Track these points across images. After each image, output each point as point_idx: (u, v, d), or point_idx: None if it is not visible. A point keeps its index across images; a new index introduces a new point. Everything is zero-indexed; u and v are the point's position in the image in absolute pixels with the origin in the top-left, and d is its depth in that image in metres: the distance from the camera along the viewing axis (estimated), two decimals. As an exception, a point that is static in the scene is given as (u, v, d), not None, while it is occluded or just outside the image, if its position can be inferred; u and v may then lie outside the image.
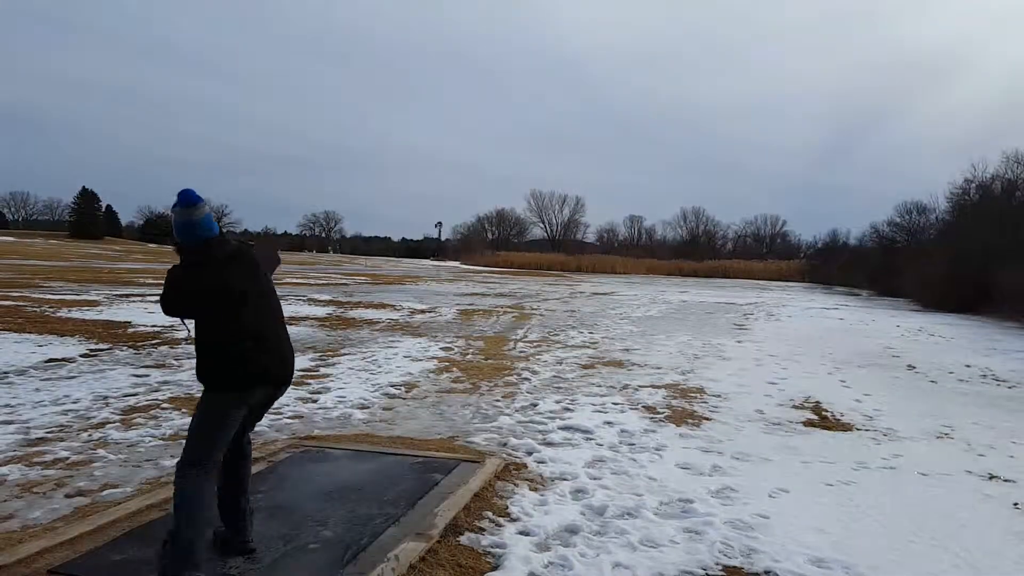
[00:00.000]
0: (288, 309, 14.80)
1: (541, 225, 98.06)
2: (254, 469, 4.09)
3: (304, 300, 17.68)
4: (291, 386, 6.62)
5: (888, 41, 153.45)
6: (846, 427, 6.27)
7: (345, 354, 8.97)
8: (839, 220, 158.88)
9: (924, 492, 4.49)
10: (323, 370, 7.82)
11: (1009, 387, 8.92)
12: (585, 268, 72.14)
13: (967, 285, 24.70)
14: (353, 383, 7.16)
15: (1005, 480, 4.81)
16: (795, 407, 7.06)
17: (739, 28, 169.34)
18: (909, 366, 10.53)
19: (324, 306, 16.27)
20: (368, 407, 6.17)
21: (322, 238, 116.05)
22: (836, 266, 55.45)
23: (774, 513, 3.91)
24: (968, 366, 10.74)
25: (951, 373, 9.95)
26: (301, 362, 8.21)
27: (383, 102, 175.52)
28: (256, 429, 5.15)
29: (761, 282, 60.65)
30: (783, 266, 72.31)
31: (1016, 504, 4.29)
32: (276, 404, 5.80)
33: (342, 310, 15.51)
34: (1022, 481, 4.80)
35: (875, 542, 3.56)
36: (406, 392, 6.88)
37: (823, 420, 6.50)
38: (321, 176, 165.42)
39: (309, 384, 6.99)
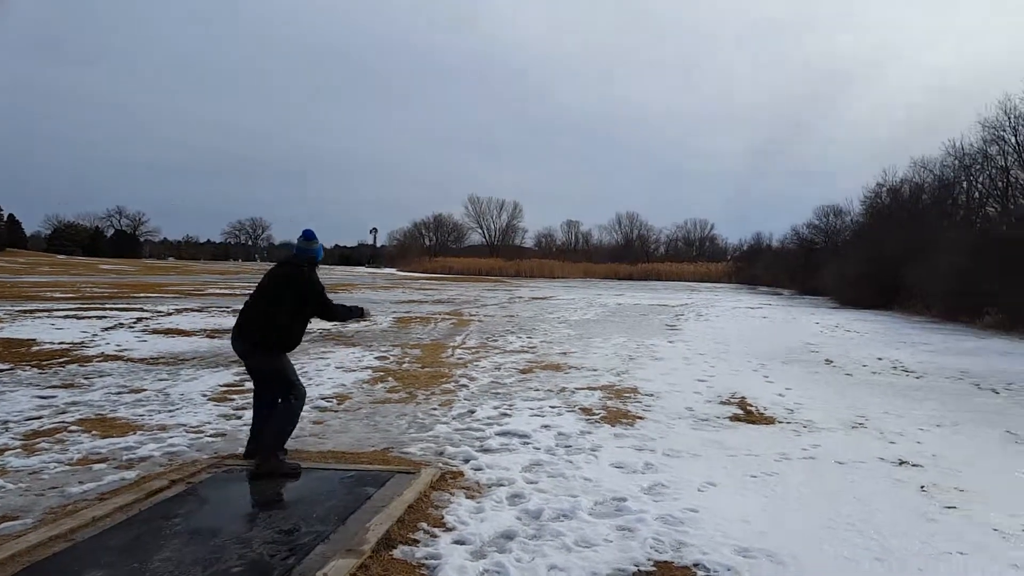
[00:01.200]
0: (210, 321, 14.35)
1: (479, 230, 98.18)
2: (171, 493, 3.98)
3: (228, 311, 17.13)
4: (214, 402, 6.48)
5: (809, 53, 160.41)
6: (769, 420, 6.53)
7: (276, 367, 8.70)
8: (763, 223, 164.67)
9: (841, 479, 4.72)
10: (248, 385, 7.53)
11: (917, 377, 9.46)
12: (524, 273, 72.69)
13: (879, 283, 26.14)
14: (284, 397, 6.98)
15: (913, 465, 5.11)
16: (722, 403, 7.31)
17: (668, 39, 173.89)
18: (827, 360, 11.04)
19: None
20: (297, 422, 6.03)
21: (248, 246, 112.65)
22: (760, 267, 57.57)
23: (703, 507, 4.04)
24: (880, 359, 11.34)
25: (865, 366, 10.48)
26: (224, 377, 7.99)
27: (312, 104, 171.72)
28: (175, 449, 5.02)
29: (691, 283, 62.46)
30: (712, 268, 74.75)
31: (923, 487, 4.57)
32: (196, 422, 5.72)
33: (273, 322, 15.06)
34: (928, 466, 5.10)
35: (796, 530, 3.73)
36: (338, 404, 6.77)
37: (748, 415, 6.75)
38: (247, 182, 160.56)
39: (233, 400, 6.77)
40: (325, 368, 8.77)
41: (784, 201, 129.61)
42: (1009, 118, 21.50)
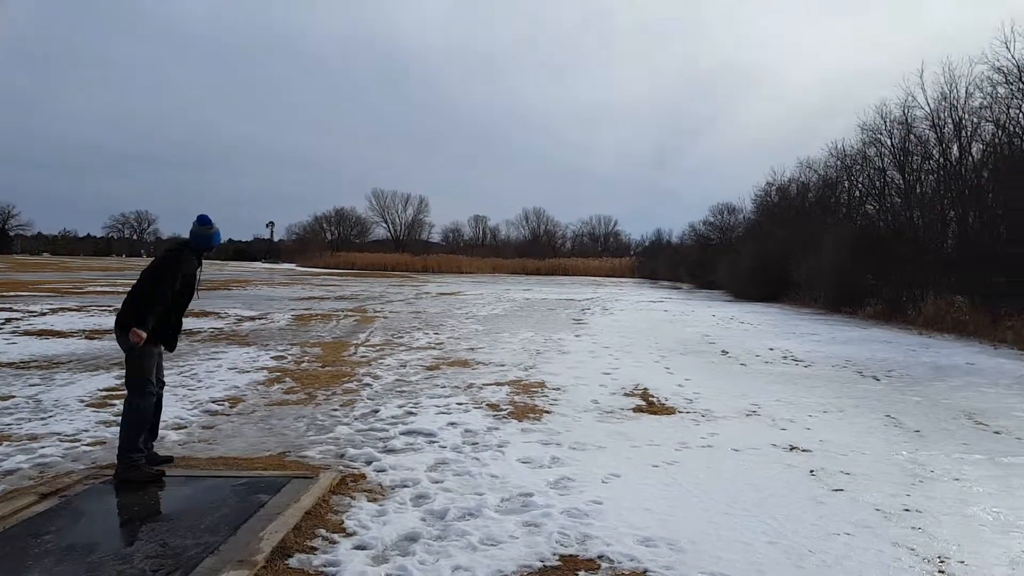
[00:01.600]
0: (89, 321, 13.36)
1: (384, 225, 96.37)
2: (41, 508, 3.63)
3: (110, 310, 15.99)
4: (92, 408, 6.00)
5: (699, 56, 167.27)
6: (670, 411, 6.71)
7: (163, 369, 8.16)
8: (664, 220, 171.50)
9: (737, 466, 4.89)
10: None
11: (806, 366, 10.01)
12: (431, 268, 72.13)
13: (770, 277, 27.67)
14: (168, 401, 6.47)
15: (803, 451, 5.36)
16: (626, 395, 7.45)
17: (570, 36, 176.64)
18: (723, 351, 11.52)
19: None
20: (185, 427, 5.65)
21: (133, 241, 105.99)
22: (661, 262, 59.66)
23: (607, 498, 4.07)
24: (772, 349, 11.94)
25: (758, 356, 11.00)
26: (105, 380, 7.41)
27: (203, 92, 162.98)
28: (47, 460, 4.60)
29: (597, 278, 63.89)
30: (616, 263, 76.79)
31: (812, 471, 4.80)
32: (72, 430, 5.28)
33: (162, 321, 14.19)
34: (817, 451, 5.37)
35: (695, 517, 3.82)
36: (230, 407, 6.39)
37: (650, 405, 6.91)
38: (132, 172, 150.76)
39: (114, 405, 6.24)
40: (216, 370, 8.29)
41: (683, 199, 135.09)
42: (885, 122, 23.09)
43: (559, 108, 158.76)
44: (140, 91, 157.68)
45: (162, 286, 4.23)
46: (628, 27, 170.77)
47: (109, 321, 13.75)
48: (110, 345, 10.07)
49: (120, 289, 24.02)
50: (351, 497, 4.00)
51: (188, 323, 13.83)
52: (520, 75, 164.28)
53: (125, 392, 4.29)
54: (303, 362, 9.18)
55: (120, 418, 4.25)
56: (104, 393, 6.77)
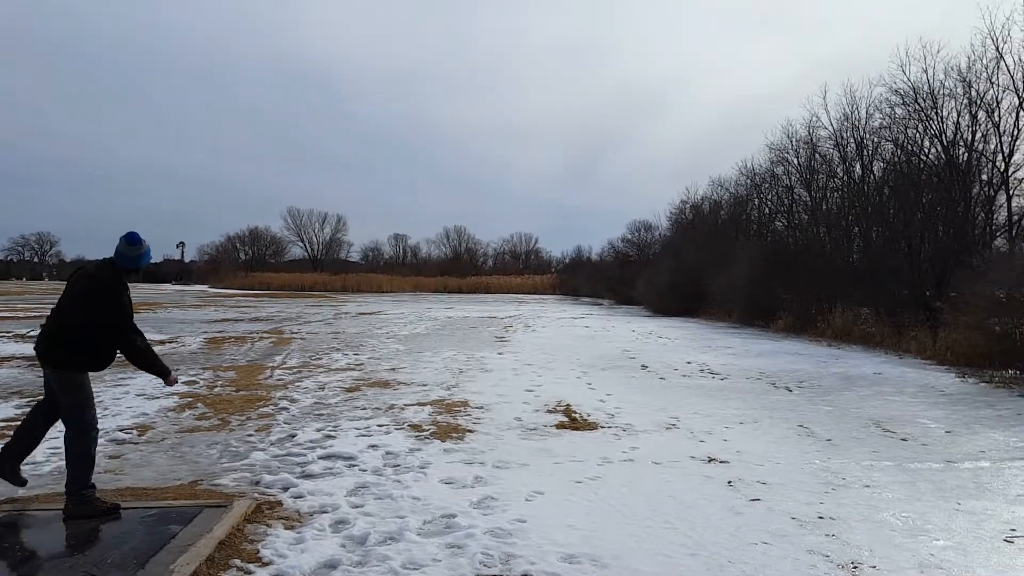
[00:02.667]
0: (-15, 349, 12.38)
1: (300, 244, 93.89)
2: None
3: (7, 336, 14.92)
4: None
5: (611, 75, 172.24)
6: (592, 426, 6.81)
7: (62, 398, 7.65)
8: (583, 237, 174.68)
9: (657, 479, 5.01)
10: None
11: (722, 379, 10.39)
12: (350, 287, 70.85)
13: (686, 292, 28.64)
14: (71, 431, 6.14)
15: (721, 462, 5.54)
16: (549, 411, 7.51)
17: (481, 54, 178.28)
18: (643, 366, 11.81)
19: (34, 342, 13.85)
20: (90, 457, 5.32)
21: (35, 263, 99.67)
22: (582, 279, 60.79)
23: (531, 516, 4.08)
24: (689, 363, 12.33)
25: (676, 370, 11.34)
26: (3, 411, 6.90)
27: (104, 110, 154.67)
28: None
29: (519, 295, 64.38)
30: (538, 280, 77.67)
31: (730, 482, 4.96)
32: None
33: (60, 346, 13.31)
34: (734, 462, 5.55)
35: (618, 531, 3.88)
36: (139, 436, 6.06)
37: (573, 421, 6.99)
38: (30, 193, 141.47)
39: (8, 436, 5.84)
40: (123, 396, 7.84)
41: (600, 216, 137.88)
42: (791, 141, 24.45)
43: (477, 126, 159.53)
44: (26, 110, 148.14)
45: (127, 318, 4.08)
46: (541, 46, 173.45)
47: (8, 348, 12.83)
48: (8, 373, 9.39)
49: (21, 315, 22.43)
50: (267, 525, 3.85)
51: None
52: (437, 93, 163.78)
53: (65, 427, 3.99)
54: (216, 386, 8.79)
55: (65, 453, 3.97)
56: (2, 424, 6.31)
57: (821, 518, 4.20)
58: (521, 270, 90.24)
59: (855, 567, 3.46)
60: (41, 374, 4.30)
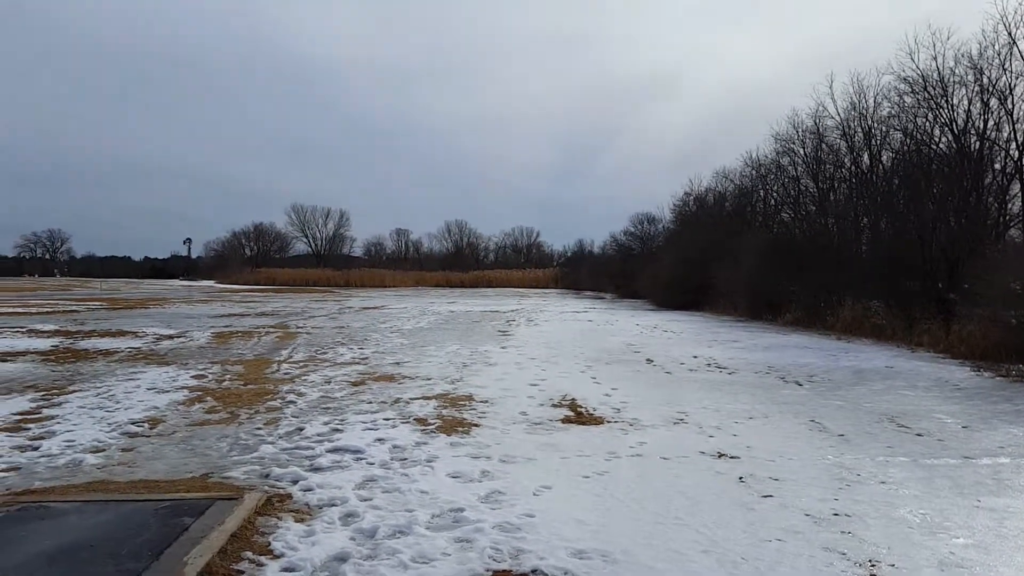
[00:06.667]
0: (1, 343, 12.50)
1: (304, 240, 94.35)
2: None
3: (22, 332, 15.02)
4: (6, 433, 5.67)
5: (604, 65, 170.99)
6: (598, 420, 6.84)
7: (75, 391, 7.72)
8: (584, 230, 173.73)
9: (667, 474, 5.02)
10: (47, 411, 6.68)
11: (729, 373, 10.38)
12: (354, 283, 70.92)
13: (690, 285, 28.44)
14: (85, 424, 6.21)
15: (731, 457, 5.53)
16: (554, 406, 7.54)
17: (473, 48, 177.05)
18: (648, 360, 11.82)
19: (48, 337, 13.97)
20: (103, 450, 5.38)
21: (47, 260, 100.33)
22: (584, 273, 60.66)
23: (539, 511, 4.11)
24: (695, 356, 12.33)
25: (682, 364, 11.34)
26: (18, 404, 6.98)
27: (108, 108, 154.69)
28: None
29: (521, 290, 64.37)
30: (539, 274, 77.57)
31: (741, 478, 4.94)
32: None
33: (71, 341, 13.42)
34: (745, 457, 5.53)
35: (628, 527, 3.90)
36: (150, 429, 6.12)
37: (579, 416, 7.02)
38: (41, 191, 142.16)
39: (28, 429, 5.94)
40: (135, 390, 7.90)
41: (602, 208, 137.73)
42: (797, 131, 24.24)
43: (477, 121, 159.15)
44: (40, 111, 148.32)
45: None
46: (536, 36, 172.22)
47: (24, 341, 12.98)
48: (23, 368, 9.46)
49: (34, 310, 22.61)
50: (277, 518, 3.90)
51: (105, 343, 13.16)
52: (435, 87, 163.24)
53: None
54: (224, 380, 8.85)
55: None
56: (18, 417, 6.41)
57: (836, 515, 4.17)
58: (523, 264, 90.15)
59: (873, 565, 3.42)
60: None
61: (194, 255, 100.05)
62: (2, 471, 4.75)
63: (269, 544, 3.51)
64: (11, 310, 22.52)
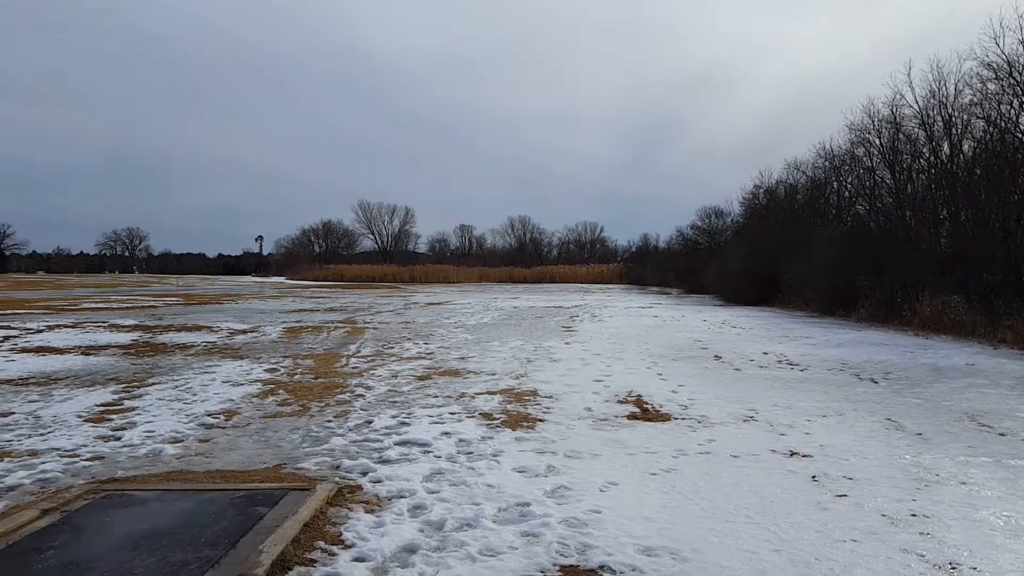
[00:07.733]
0: (85, 338, 13.26)
1: (371, 236, 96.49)
2: (43, 523, 3.61)
3: (104, 326, 15.90)
4: (91, 423, 6.00)
5: (672, 57, 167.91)
6: (665, 417, 6.72)
7: (154, 384, 8.12)
8: (649, 225, 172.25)
9: (736, 473, 4.89)
10: (128, 403, 7.03)
11: (801, 370, 10.04)
12: (418, 278, 72.12)
13: (760, 280, 27.68)
14: (164, 415, 6.50)
15: (804, 456, 5.35)
16: (619, 402, 7.45)
17: (542, 41, 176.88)
18: (716, 356, 11.55)
19: (128, 332, 14.73)
20: (182, 440, 5.62)
21: (126, 257, 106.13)
22: (649, 268, 59.87)
23: (606, 507, 4.06)
24: (766, 353, 11.98)
25: (752, 360, 11.03)
26: (102, 396, 7.38)
27: (183, 109, 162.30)
28: (48, 475, 4.56)
29: (585, 285, 64.04)
30: (603, 270, 77.10)
31: (814, 477, 4.78)
32: (71, 445, 5.24)
33: (150, 335, 14.12)
34: (818, 456, 5.35)
35: (696, 525, 3.81)
36: (226, 420, 6.36)
37: (644, 412, 6.92)
38: (120, 190, 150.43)
39: (111, 420, 6.25)
40: (211, 383, 8.23)
41: (668, 203, 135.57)
42: (873, 121, 23.17)
43: (540, 115, 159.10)
44: (127, 110, 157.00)
45: None
46: (602, 29, 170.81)
47: (107, 336, 13.73)
48: (105, 361, 10.00)
49: (115, 306, 23.91)
50: (348, 509, 3.98)
51: (181, 337, 13.78)
52: (500, 83, 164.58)
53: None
54: (296, 374, 9.13)
55: None
56: (101, 409, 6.74)
57: (914, 516, 4.00)
58: (586, 259, 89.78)
59: (953, 568, 3.27)
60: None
61: (265, 252, 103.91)
62: (87, 460, 5.00)
63: (341, 534, 3.59)
64: (94, 305, 23.87)
